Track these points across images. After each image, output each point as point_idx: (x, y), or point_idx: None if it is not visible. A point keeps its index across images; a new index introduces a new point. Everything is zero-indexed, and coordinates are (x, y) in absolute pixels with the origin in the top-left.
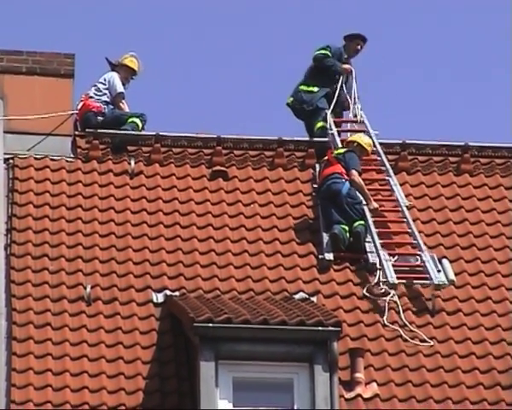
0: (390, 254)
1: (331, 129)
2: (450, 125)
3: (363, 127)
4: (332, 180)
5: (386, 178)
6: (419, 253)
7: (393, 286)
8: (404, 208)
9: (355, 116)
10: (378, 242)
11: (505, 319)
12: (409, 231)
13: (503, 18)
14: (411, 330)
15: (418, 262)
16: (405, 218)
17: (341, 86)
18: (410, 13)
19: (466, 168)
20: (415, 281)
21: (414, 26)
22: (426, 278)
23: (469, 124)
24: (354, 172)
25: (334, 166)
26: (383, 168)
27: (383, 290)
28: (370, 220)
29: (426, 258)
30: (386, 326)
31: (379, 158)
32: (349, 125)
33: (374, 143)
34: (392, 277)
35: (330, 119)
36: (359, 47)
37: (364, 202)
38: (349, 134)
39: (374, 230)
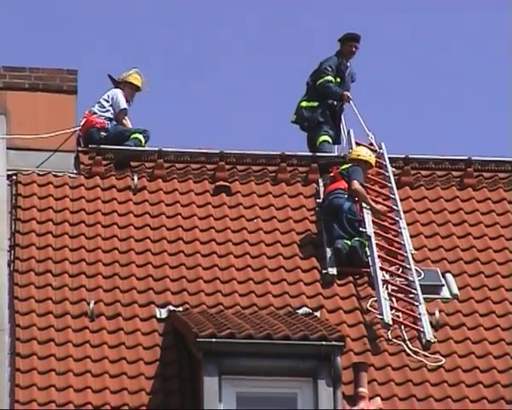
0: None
1: (349, 134)
2: (453, 139)
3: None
4: (334, 195)
5: (396, 218)
6: (416, 304)
7: (387, 326)
8: (409, 254)
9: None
10: (380, 277)
11: (509, 333)
12: (410, 279)
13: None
14: (416, 349)
15: (416, 314)
16: (409, 264)
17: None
18: (413, 23)
19: (469, 182)
20: (406, 329)
21: (417, 38)
22: (419, 330)
23: (472, 138)
24: (355, 181)
25: (338, 182)
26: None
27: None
28: (375, 249)
29: (422, 311)
30: (389, 341)
31: (392, 195)
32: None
33: (388, 171)
34: (388, 317)
35: (352, 135)
36: (354, 49)
37: (368, 207)
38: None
39: (376, 255)
